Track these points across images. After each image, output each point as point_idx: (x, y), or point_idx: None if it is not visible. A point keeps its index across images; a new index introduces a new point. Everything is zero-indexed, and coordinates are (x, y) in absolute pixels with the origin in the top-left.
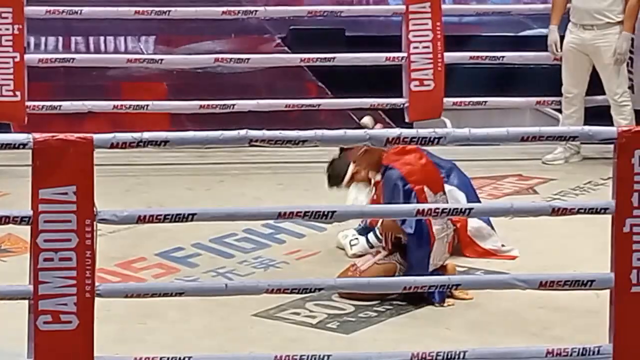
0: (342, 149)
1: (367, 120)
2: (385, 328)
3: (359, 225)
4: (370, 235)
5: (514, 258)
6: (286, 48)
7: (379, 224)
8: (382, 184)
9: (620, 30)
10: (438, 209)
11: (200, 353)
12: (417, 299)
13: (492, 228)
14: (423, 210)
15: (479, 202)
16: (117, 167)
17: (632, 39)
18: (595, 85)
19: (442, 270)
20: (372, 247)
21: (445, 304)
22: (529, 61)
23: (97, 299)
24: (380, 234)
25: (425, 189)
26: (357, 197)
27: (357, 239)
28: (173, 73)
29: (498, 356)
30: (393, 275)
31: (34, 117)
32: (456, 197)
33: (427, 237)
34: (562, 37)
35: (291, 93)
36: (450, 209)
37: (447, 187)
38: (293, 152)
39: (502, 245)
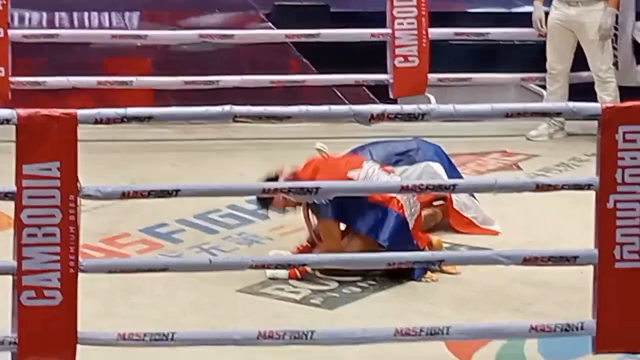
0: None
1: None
2: (369, 304)
3: None
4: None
5: (497, 233)
6: (270, 24)
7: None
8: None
9: (605, 6)
10: (423, 185)
11: (185, 329)
12: (400, 274)
13: (474, 197)
14: (407, 186)
15: (453, 165)
16: (101, 142)
17: (617, 15)
18: (579, 61)
19: (428, 245)
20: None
21: (428, 279)
22: (513, 37)
23: (80, 275)
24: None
25: (350, 174)
26: None
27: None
28: (157, 49)
29: (481, 332)
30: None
31: (18, 92)
32: (434, 171)
33: (407, 233)
34: (547, 14)
35: (276, 69)
36: (434, 185)
37: (421, 163)
38: (277, 128)
39: (485, 218)
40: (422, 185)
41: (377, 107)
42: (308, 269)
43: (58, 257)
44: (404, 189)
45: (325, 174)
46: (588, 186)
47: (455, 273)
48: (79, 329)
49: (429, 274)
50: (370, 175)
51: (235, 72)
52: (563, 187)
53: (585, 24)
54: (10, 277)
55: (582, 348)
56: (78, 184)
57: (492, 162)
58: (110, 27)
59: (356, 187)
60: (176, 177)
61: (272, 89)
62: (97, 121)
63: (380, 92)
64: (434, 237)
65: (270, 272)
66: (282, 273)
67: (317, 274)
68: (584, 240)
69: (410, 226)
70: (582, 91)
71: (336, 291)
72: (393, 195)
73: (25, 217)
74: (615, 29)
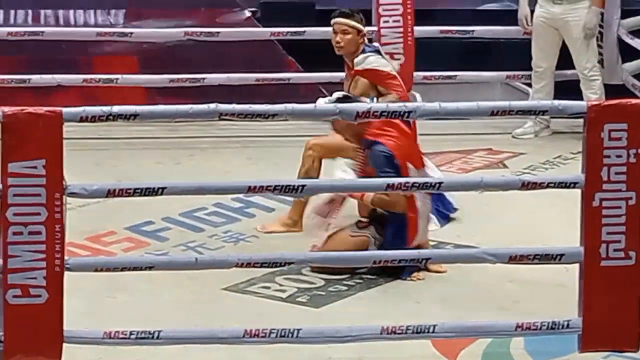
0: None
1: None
2: (356, 302)
3: None
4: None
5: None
6: (256, 22)
7: (366, 198)
8: (371, 157)
9: (590, 4)
10: (408, 183)
11: (170, 327)
12: (387, 272)
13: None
14: (393, 184)
15: None
16: (86, 140)
17: (602, 14)
18: (565, 59)
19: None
20: None
21: (414, 278)
22: (499, 35)
23: (66, 273)
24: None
25: (409, 165)
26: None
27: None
28: (143, 46)
29: (468, 330)
30: (365, 250)
31: (3, 90)
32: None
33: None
34: (532, 11)
35: (261, 67)
36: (420, 183)
37: None
38: (263, 126)
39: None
40: (407, 183)
41: (363, 105)
42: (366, 197)
43: (44, 256)
44: (389, 187)
45: (406, 150)
46: (574, 184)
47: (442, 271)
48: (64, 328)
49: (414, 272)
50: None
51: (221, 69)
52: (549, 185)
53: (570, 22)
54: None
55: (569, 346)
56: (64, 182)
57: (478, 160)
58: (96, 25)
59: (341, 185)
60: (162, 175)
61: (259, 87)
62: (83, 119)
63: None
64: None
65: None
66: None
67: (304, 271)
68: (570, 238)
69: (426, 225)
70: (568, 89)
71: (322, 289)
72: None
73: (10, 215)
74: (601, 26)
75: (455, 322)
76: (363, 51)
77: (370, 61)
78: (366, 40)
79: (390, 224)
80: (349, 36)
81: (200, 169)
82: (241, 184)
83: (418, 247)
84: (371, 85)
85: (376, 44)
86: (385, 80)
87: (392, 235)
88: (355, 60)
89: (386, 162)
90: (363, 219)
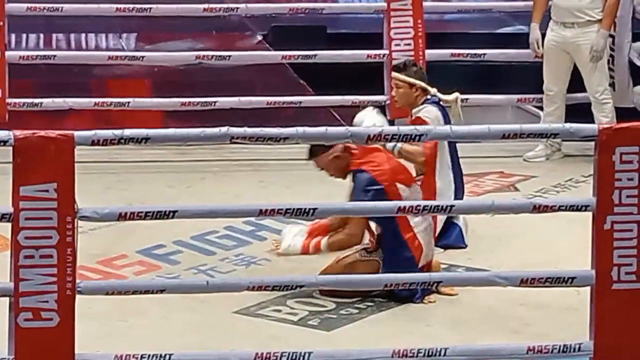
0: (311, 153)
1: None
2: (367, 325)
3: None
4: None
5: None
6: (267, 45)
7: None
8: (352, 188)
9: (599, 28)
10: (419, 206)
11: (182, 351)
12: (398, 296)
13: None
14: (404, 207)
15: None
16: (98, 164)
17: (613, 37)
18: (576, 82)
19: (426, 267)
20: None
21: (426, 301)
22: (510, 58)
23: (78, 296)
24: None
25: (398, 185)
26: None
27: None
28: (155, 70)
29: (479, 353)
30: (375, 273)
31: (15, 114)
32: None
33: (399, 235)
34: (543, 35)
35: (272, 90)
36: (431, 207)
37: None
38: (274, 150)
39: None
40: (418, 206)
41: (374, 129)
42: (322, 246)
43: (55, 279)
44: (400, 210)
45: (391, 173)
46: (585, 207)
47: (453, 294)
48: (76, 351)
49: (426, 295)
50: (410, 199)
51: (232, 93)
52: (560, 208)
53: (581, 45)
54: (7, 299)
55: None
56: (75, 206)
57: (489, 183)
58: (107, 49)
59: (352, 208)
60: (173, 198)
61: (270, 110)
62: (94, 142)
63: None
64: (433, 259)
65: (283, 246)
66: (295, 247)
67: (315, 294)
68: (581, 261)
69: (431, 238)
70: (579, 112)
71: (333, 312)
72: (417, 232)
73: (22, 238)
74: (612, 50)
75: (467, 345)
76: (424, 102)
77: (424, 111)
78: (428, 93)
79: (383, 248)
80: (400, 90)
81: (211, 192)
82: (252, 207)
83: (428, 266)
84: None
85: (436, 97)
86: None
87: (389, 259)
88: (414, 110)
89: (365, 190)
90: (371, 242)
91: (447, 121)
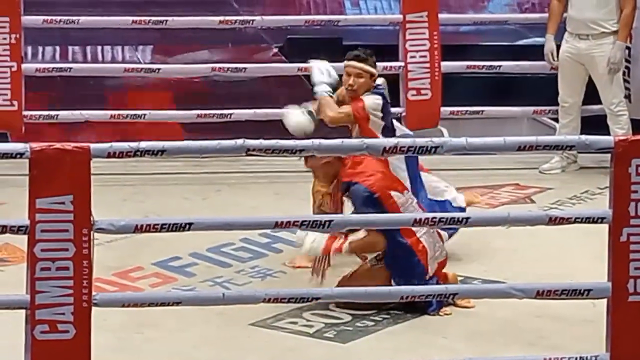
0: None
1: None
2: (383, 337)
3: None
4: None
5: None
6: (283, 57)
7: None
8: (352, 201)
9: (614, 40)
10: (435, 218)
11: None
12: (414, 307)
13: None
14: (420, 219)
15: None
16: (114, 176)
17: (629, 49)
18: (591, 94)
19: (443, 279)
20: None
21: (442, 313)
22: (525, 70)
23: (94, 309)
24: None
25: (392, 192)
26: None
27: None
28: (171, 83)
29: None
30: (387, 280)
31: (31, 126)
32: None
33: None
34: (558, 47)
35: (288, 102)
36: (446, 219)
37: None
38: (290, 162)
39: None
40: (434, 218)
41: (390, 141)
42: (344, 249)
43: (71, 291)
44: (416, 223)
45: (384, 181)
46: (601, 219)
47: (470, 307)
48: None
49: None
50: (406, 205)
51: (248, 105)
52: (576, 221)
53: (596, 57)
54: (23, 311)
55: None
56: (91, 218)
57: (505, 195)
58: (124, 61)
59: (368, 220)
60: (189, 210)
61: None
62: (110, 155)
63: None
64: (449, 271)
65: (306, 247)
66: (317, 248)
67: (331, 306)
68: (597, 273)
69: (431, 272)
70: (595, 124)
71: (349, 324)
72: (420, 236)
73: (38, 251)
74: (628, 61)
75: (483, 357)
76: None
77: (370, 96)
78: (376, 82)
79: (387, 255)
80: (361, 80)
81: (227, 205)
82: (268, 219)
83: (445, 281)
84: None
85: (382, 87)
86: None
87: (395, 265)
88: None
89: (364, 202)
90: (380, 252)
91: (387, 108)
